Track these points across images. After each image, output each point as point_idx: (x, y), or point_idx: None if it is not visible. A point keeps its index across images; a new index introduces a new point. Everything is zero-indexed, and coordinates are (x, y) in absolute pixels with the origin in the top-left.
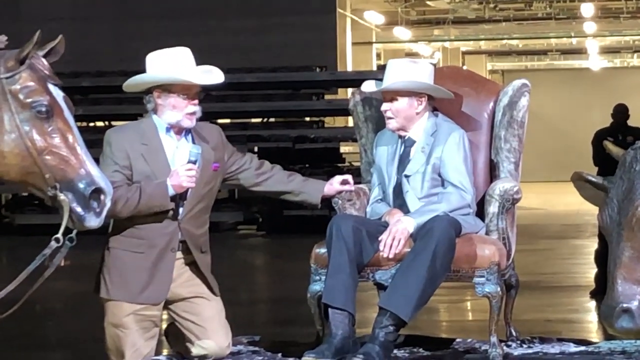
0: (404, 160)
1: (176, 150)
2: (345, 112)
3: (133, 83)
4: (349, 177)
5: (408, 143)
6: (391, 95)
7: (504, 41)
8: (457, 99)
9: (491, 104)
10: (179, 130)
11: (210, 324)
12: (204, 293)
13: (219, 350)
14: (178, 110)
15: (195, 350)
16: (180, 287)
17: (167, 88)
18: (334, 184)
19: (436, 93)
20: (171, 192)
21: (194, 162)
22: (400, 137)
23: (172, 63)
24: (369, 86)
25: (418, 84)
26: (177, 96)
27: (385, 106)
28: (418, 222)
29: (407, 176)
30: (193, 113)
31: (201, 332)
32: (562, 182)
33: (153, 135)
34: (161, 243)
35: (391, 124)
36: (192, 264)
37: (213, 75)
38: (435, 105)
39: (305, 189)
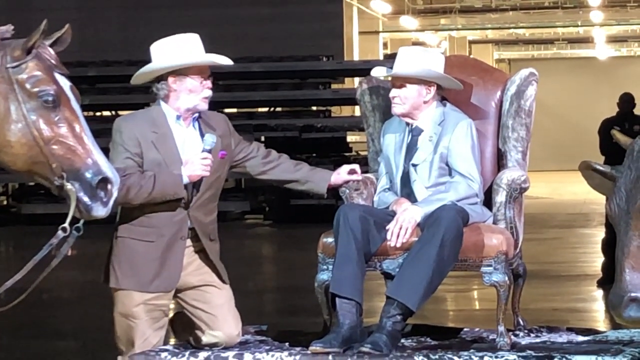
0: (411, 149)
1: (186, 138)
2: (352, 101)
3: (148, 70)
4: (356, 166)
5: (415, 132)
6: (400, 81)
7: (511, 30)
8: (465, 87)
9: (498, 93)
10: (188, 118)
11: (220, 312)
12: (214, 281)
13: (229, 339)
14: (195, 94)
15: (205, 339)
16: (190, 275)
17: (182, 72)
18: (341, 174)
19: (446, 83)
20: (185, 180)
21: (209, 151)
22: (407, 125)
23: (184, 47)
24: (378, 71)
25: (428, 72)
26: (192, 79)
27: (394, 92)
28: (425, 211)
29: (414, 165)
30: (207, 97)
31: (211, 320)
32: (570, 171)
33: (163, 123)
34: (171, 231)
35: (397, 108)
36: (201, 252)
37: (223, 59)
38: (444, 95)
39: (312, 178)
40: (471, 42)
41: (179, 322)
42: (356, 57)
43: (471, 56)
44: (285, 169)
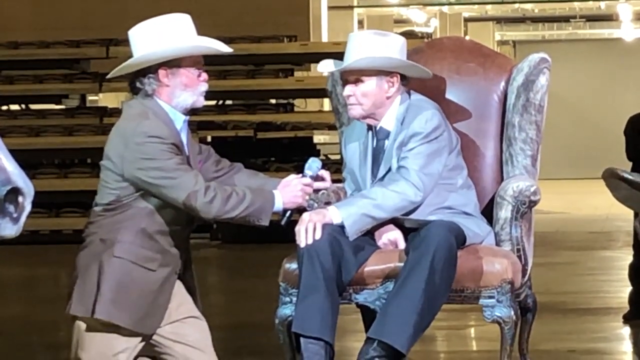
0: (378, 158)
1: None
2: (321, 92)
3: (135, 63)
4: (326, 173)
5: (381, 135)
6: (355, 75)
7: (516, 5)
8: (460, 77)
9: (502, 84)
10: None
11: (202, 345)
12: (194, 312)
13: None
14: (191, 89)
15: None
16: (172, 309)
17: (175, 63)
18: (292, 185)
19: (411, 71)
20: (278, 207)
21: (314, 178)
22: (370, 128)
23: (177, 32)
24: (327, 66)
25: (389, 61)
26: (187, 71)
27: (348, 90)
28: (342, 214)
29: (381, 179)
30: (204, 92)
31: (194, 354)
32: (590, 179)
33: (175, 131)
34: (172, 261)
35: (355, 110)
36: (183, 281)
37: (223, 46)
38: (432, 86)
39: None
40: (467, 20)
41: None
42: (325, 38)
43: (467, 37)
44: (240, 179)
